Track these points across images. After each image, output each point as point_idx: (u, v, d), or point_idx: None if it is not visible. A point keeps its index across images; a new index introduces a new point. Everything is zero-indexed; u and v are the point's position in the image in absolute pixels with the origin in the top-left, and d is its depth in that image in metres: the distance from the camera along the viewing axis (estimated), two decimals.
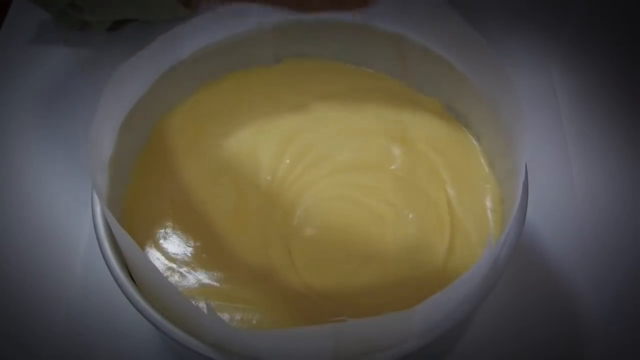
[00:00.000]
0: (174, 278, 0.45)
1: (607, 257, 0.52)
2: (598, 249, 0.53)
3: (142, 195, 0.48)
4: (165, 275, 0.44)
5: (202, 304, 0.43)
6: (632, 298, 0.51)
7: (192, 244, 0.46)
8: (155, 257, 0.46)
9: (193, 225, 0.47)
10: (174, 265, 0.45)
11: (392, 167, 0.50)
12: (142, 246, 0.43)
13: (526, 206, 0.42)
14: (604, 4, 0.66)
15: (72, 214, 0.55)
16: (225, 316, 0.43)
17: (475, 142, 0.51)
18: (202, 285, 0.44)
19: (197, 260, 0.46)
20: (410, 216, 0.48)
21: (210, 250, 0.46)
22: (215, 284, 0.44)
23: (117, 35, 0.68)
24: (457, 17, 0.47)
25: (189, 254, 0.46)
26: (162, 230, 0.47)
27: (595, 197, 0.56)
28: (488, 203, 0.48)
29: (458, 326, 0.39)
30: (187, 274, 0.45)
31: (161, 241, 0.46)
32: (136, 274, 0.41)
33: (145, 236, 0.46)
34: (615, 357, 0.48)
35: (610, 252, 0.53)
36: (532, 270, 0.52)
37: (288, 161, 0.50)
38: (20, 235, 0.55)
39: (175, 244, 0.46)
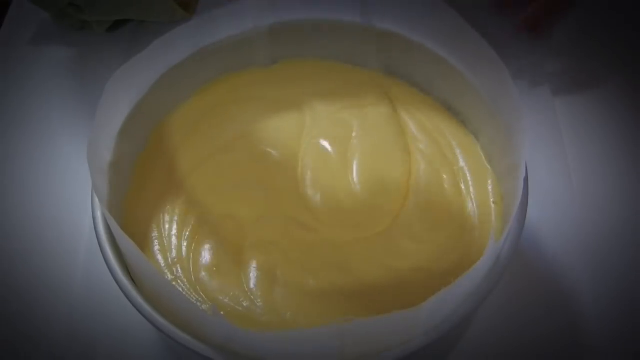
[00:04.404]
0: (175, 280, 0.45)
1: (607, 255, 0.52)
2: (597, 246, 0.53)
3: (142, 198, 0.48)
4: (166, 277, 0.45)
5: (205, 306, 0.43)
6: (631, 295, 0.51)
7: (193, 247, 0.46)
8: (156, 260, 0.46)
9: (193, 228, 0.47)
10: (174, 268, 0.45)
11: (392, 164, 0.50)
12: (143, 249, 0.43)
13: (527, 203, 0.42)
14: (603, 3, 0.67)
15: (72, 217, 0.55)
16: (229, 318, 0.43)
17: (474, 139, 0.51)
18: (204, 287, 0.44)
19: (198, 262, 0.46)
20: (414, 212, 0.48)
21: (211, 252, 0.46)
22: (217, 285, 0.45)
23: (117, 35, 0.68)
24: (455, 16, 0.47)
25: (189, 257, 0.46)
26: (162, 233, 0.47)
27: (594, 195, 0.56)
28: (490, 198, 0.48)
29: (462, 323, 0.39)
30: (187, 276, 0.45)
31: (161, 244, 0.46)
32: (137, 276, 0.41)
33: (146, 239, 0.46)
34: (615, 355, 0.48)
35: (610, 250, 0.53)
36: (532, 268, 0.52)
37: (289, 161, 0.51)
38: (20, 238, 0.55)
39: (175, 247, 0.46)
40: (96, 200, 0.43)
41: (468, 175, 0.50)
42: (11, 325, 0.51)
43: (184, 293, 0.44)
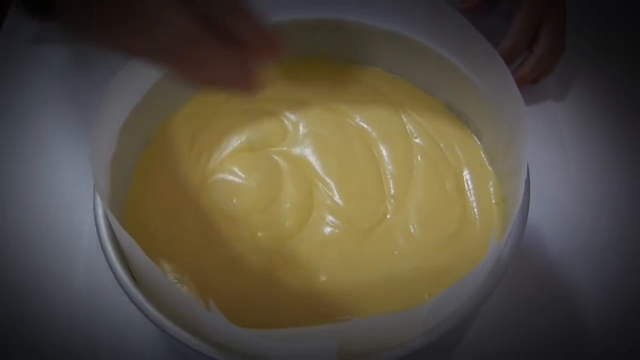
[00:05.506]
0: (175, 279, 0.45)
1: (608, 256, 0.53)
2: (598, 247, 0.53)
3: (143, 196, 0.48)
4: (166, 276, 0.45)
5: (205, 304, 0.43)
6: (632, 296, 0.51)
7: (193, 245, 0.46)
8: (157, 259, 0.46)
9: (194, 226, 0.47)
10: (175, 266, 0.45)
11: (395, 163, 0.51)
12: (143, 247, 0.43)
13: (528, 205, 0.42)
14: (605, 4, 0.67)
15: (73, 215, 0.55)
16: (228, 316, 0.43)
17: (476, 141, 0.52)
18: (204, 286, 0.44)
19: (198, 261, 0.46)
20: (414, 212, 0.48)
21: (211, 250, 0.46)
22: (217, 284, 0.45)
23: None
24: (459, 17, 0.47)
25: (190, 255, 0.46)
26: (163, 231, 0.47)
27: (595, 196, 0.56)
28: (491, 199, 0.48)
29: (462, 324, 0.39)
30: (188, 275, 0.45)
31: (162, 242, 0.46)
32: (138, 274, 0.41)
33: (147, 237, 0.46)
34: (616, 355, 0.49)
35: (611, 251, 0.53)
36: (533, 269, 0.52)
37: (291, 160, 0.51)
38: (21, 236, 0.55)
39: (175, 246, 0.46)
40: (97, 197, 0.43)
41: (469, 176, 0.50)
42: (12, 324, 0.50)
43: (186, 292, 0.44)
